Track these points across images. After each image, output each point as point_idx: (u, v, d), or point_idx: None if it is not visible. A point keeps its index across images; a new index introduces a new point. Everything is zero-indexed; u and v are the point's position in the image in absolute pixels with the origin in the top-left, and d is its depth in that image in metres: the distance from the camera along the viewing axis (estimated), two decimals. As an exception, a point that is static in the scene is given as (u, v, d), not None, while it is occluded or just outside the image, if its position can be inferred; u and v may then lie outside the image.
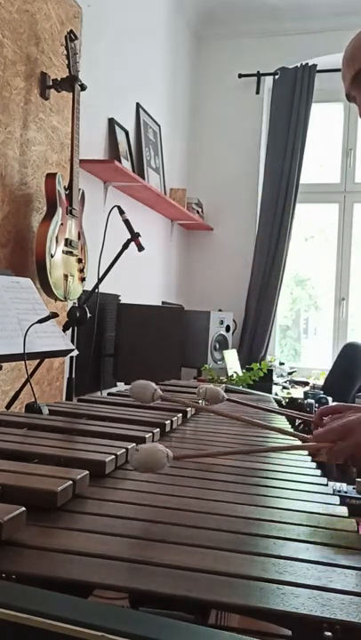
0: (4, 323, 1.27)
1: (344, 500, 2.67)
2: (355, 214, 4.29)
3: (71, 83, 2.24)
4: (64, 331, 2.10)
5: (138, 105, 3.33)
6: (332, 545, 0.62)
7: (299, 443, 1.02)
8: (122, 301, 3.00)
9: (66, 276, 2.18)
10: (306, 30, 4.07)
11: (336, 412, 0.94)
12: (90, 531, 0.59)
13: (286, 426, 1.45)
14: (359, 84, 1.11)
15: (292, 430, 1.20)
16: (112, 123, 2.93)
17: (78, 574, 0.49)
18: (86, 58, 2.53)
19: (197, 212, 4.12)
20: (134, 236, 2.41)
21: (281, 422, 1.48)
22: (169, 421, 1.14)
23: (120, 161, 2.85)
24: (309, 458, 1.05)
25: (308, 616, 0.46)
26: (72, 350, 1.51)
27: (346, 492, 2.76)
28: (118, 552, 0.54)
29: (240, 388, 1.81)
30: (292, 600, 0.48)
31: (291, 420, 1.42)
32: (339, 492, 2.75)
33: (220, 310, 3.71)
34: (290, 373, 4.15)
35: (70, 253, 2.20)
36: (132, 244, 2.42)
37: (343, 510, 0.73)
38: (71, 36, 2.26)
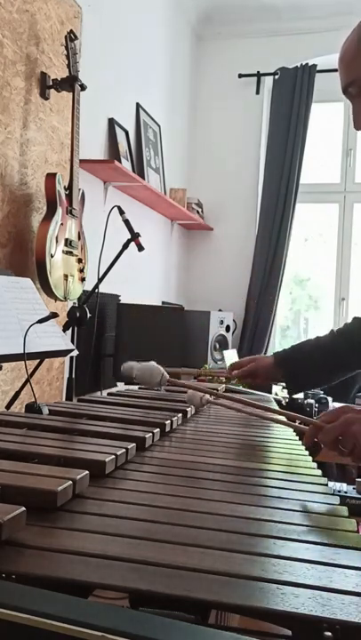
0: (3, 323, 1.27)
1: (344, 500, 2.67)
2: (355, 214, 4.29)
3: (71, 83, 2.24)
4: (64, 331, 2.10)
5: (138, 105, 3.33)
6: (332, 545, 0.62)
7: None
8: (122, 301, 3.00)
9: (66, 276, 2.18)
10: (306, 30, 4.07)
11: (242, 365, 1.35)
12: (90, 531, 0.59)
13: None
14: (352, 95, 1.13)
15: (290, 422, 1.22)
16: (112, 123, 2.93)
17: (78, 574, 0.49)
18: (86, 58, 2.53)
19: (197, 212, 4.11)
20: (134, 236, 2.41)
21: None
22: (169, 421, 1.14)
23: (120, 161, 2.85)
24: (310, 458, 1.05)
25: (308, 616, 0.46)
26: (72, 350, 1.51)
27: (346, 492, 2.76)
28: (118, 552, 0.54)
29: (240, 388, 1.81)
30: (292, 600, 0.48)
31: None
32: (339, 492, 2.76)
33: (220, 310, 3.71)
34: (290, 373, 4.14)
35: (70, 253, 2.20)
36: (132, 244, 2.42)
37: (343, 510, 0.74)
38: (71, 36, 2.26)
